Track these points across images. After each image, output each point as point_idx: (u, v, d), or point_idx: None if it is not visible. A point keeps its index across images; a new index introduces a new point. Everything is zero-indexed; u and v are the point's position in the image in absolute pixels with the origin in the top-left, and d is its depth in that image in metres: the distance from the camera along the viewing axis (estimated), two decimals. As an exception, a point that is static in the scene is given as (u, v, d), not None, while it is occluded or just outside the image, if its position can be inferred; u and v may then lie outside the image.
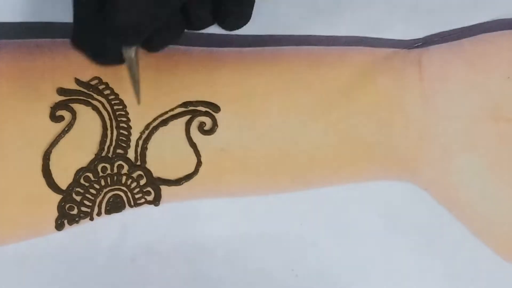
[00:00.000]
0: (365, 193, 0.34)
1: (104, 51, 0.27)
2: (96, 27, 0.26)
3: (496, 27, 0.36)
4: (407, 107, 0.35)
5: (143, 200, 0.33)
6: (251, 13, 0.30)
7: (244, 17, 0.30)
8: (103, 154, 0.32)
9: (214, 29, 0.34)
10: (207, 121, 0.34)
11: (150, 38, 0.27)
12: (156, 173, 0.33)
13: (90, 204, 0.32)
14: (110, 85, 0.33)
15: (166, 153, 0.33)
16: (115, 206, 0.32)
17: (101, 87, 0.33)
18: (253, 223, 0.33)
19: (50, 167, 0.31)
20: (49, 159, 0.31)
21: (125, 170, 0.32)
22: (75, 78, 0.32)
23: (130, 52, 0.28)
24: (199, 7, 0.28)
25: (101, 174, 0.32)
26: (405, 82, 0.35)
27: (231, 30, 0.31)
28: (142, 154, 0.33)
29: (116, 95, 0.33)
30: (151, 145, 0.33)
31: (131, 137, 0.33)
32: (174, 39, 0.28)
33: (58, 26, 0.33)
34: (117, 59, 0.28)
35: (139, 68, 0.29)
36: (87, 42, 0.27)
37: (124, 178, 0.32)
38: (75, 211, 0.32)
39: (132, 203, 0.32)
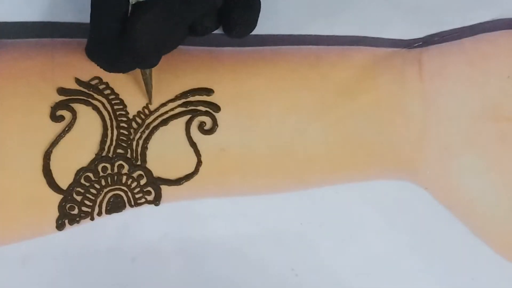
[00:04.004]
0: (365, 193, 0.34)
1: (119, 65, 0.30)
2: (114, 46, 0.28)
3: (496, 26, 0.36)
4: (407, 107, 0.35)
5: (143, 200, 0.33)
6: (257, 21, 0.32)
7: (251, 25, 0.32)
8: (104, 154, 0.32)
9: (214, 29, 0.34)
10: (207, 120, 0.34)
11: None
12: (156, 173, 0.33)
13: (91, 204, 0.32)
14: (110, 85, 0.33)
15: (166, 153, 0.33)
16: (115, 206, 0.32)
17: (101, 87, 0.33)
18: (253, 223, 0.33)
19: (51, 167, 0.31)
20: (49, 159, 0.31)
21: (125, 170, 0.32)
22: (75, 78, 0.32)
23: (146, 70, 0.31)
24: (206, 19, 0.30)
25: (101, 174, 0.32)
26: (405, 81, 0.35)
27: (238, 38, 0.33)
28: (142, 154, 0.33)
29: (117, 95, 0.33)
30: (151, 145, 0.33)
31: (131, 137, 0.33)
32: (176, 46, 0.30)
33: (58, 26, 0.33)
34: (129, 70, 0.30)
35: (152, 78, 0.32)
36: (103, 56, 0.29)
37: (124, 178, 0.32)
38: (75, 211, 0.32)
39: (133, 203, 0.32)
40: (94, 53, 0.29)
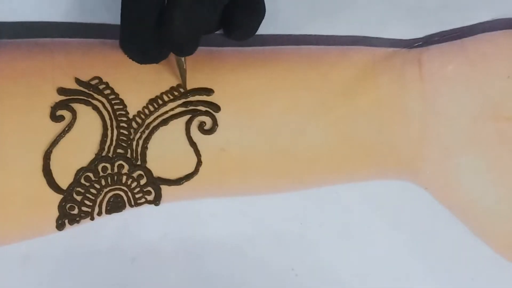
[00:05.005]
0: (365, 193, 0.34)
1: (154, 56, 0.30)
2: (150, 36, 0.28)
3: (496, 26, 0.36)
4: (407, 106, 0.35)
5: (143, 200, 0.33)
6: (259, 26, 0.31)
7: (252, 30, 0.32)
8: (104, 153, 0.32)
9: (214, 29, 0.34)
10: (207, 120, 0.34)
11: None
12: (156, 172, 0.33)
13: (91, 204, 0.32)
14: (110, 85, 0.33)
15: (166, 153, 0.33)
16: (115, 205, 0.32)
17: (101, 86, 0.33)
18: (253, 223, 0.33)
19: (51, 167, 0.31)
20: (49, 159, 0.31)
21: (125, 169, 0.32)
22: (75, 77, 0.32)
23: (181, 59, 0.31)
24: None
25: (101, 174, 0.32)
26: (405, 81, 0.35)
27: (237, 40, 0.32)
28: (142, 153, 0.33)
29: (117, 94, 0.33)
30: (151, 145, 0.33)
31: (131, 137, 0.33)
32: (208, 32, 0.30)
33: (58, 26, 0.33)
34: (161, 59, 0.31)
35: (186, 63, 0.32)
36: (139, 48, 0.29)
37: (124, 177, 0.32)
38: (75, 211, 0.32)
39: (133, 203, 0.32)
40: (129, 46, 0.29)
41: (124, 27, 0.28)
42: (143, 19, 0.27)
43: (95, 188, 0.32)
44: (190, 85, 0.34)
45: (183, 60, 0.32)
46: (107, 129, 0.32)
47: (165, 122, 0.33)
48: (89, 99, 0.32)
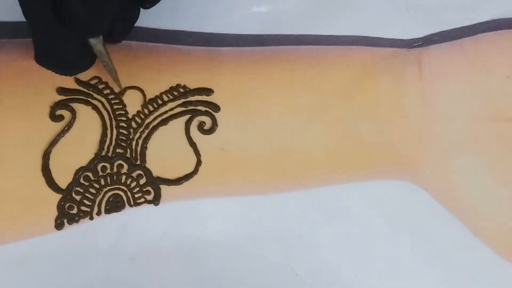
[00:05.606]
0: (365, 193, 0.34)
1: (71, 59, 0.30)
2: (57, 38, 0.28)
3: (496, 26, 0.36)
4: (407, 106, 0.35)
5: (142, 200, 0.33)
6: None
7: None
8: (103, 153, 0.32)
9: (214, 29, 0.34)
10: (207, 120, 0.34)
11: (111, 28, 0.29)
12: (155, 172, 0.33)
13: (90, 203, 0.32)
14: (109, 85, 0.33)
15: (166, 153, 0.33)
16: (115, 205, 0.32)
17: (100, 86, 0.33)
18: (253, 223, 0.33)
19: (50, 167, 0.31)
20: (48, 159, 0.31)
21: (124, 169, 0.32)
22: (75, 77, 0.32)
23: (98, 45, 0.30)
24: None
25: (100, 173, 0.32)
26: (405, 81, 0.35)
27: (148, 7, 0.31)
28: (142, 153, 0.33)
29: (116, 94, 0.33)
30: (151, 145, 0.33)
31: (131, 137, 0.33)
32: (133, 22, 0.29)
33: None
34: (85, 64, 0.31)
35: (110, 57, 0.31)
36: (53, 57, 0.30)
37: (123, 177, 0.32)
38: (75, 211, 0.32)
39: (132, 203, 0.32)
40: (45, 58, 0.30)
41: (35, 42, 0.29)
42: (45, 22, 0.27)
43: (94, 187, 0.32)
44: (190, 85, 0.34)
45: (104, 54, 0.31)
46: (107, 128, 0.32)
47: (164, 122, 0.33)
48: (89, 99, 0.32)
